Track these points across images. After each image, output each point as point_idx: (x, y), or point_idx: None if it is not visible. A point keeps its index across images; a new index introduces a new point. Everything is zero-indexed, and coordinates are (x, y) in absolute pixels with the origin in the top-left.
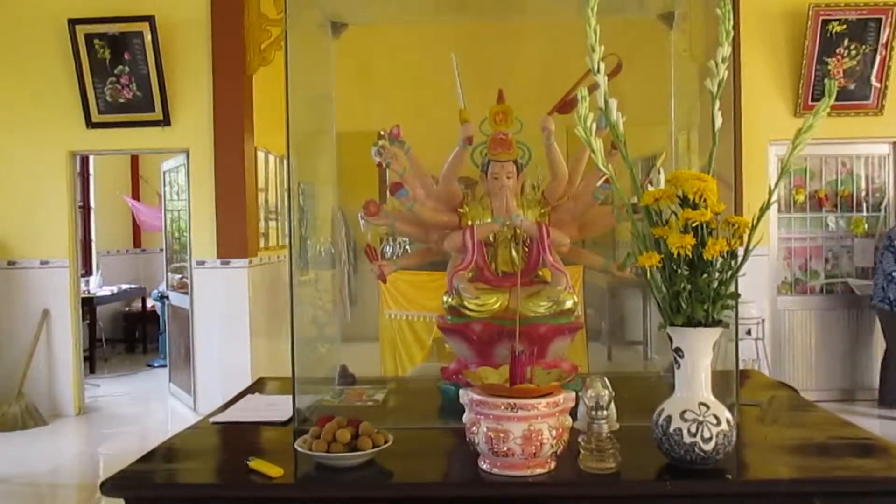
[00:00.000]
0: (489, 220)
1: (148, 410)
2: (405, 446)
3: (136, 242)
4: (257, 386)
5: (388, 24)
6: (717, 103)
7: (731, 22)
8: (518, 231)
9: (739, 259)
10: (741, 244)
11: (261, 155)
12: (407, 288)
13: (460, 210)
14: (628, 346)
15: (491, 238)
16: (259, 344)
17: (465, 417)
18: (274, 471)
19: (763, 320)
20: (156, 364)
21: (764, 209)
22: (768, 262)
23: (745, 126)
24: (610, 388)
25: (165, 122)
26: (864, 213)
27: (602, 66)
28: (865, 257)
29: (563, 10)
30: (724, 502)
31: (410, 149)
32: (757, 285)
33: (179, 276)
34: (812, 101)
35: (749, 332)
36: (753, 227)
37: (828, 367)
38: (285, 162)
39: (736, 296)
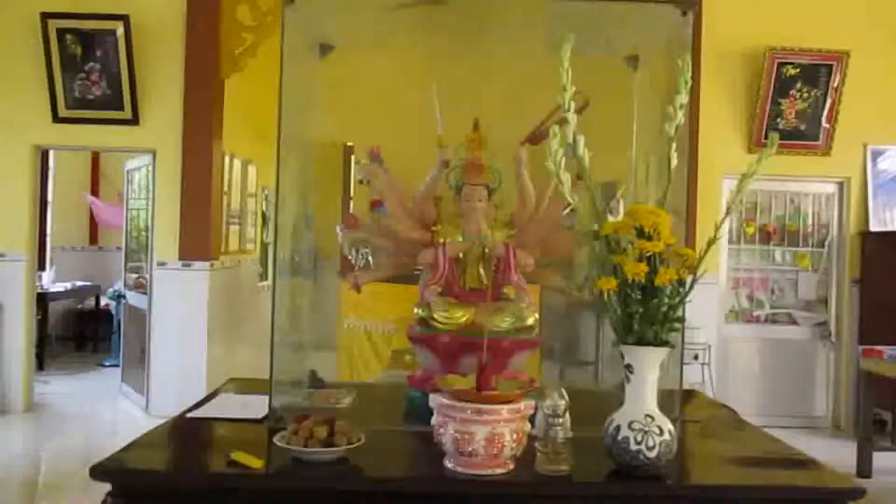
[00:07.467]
0: (459, 240)
1: (97, 409)
2: (374, 445)
3: (93, 240)
4: (228, 386)
5: (371, 48)
6: (674, 145)
7: (690, 72)
8: (486, 251)
9: (687, 287)
10: (689, 273)
11: (226, 159)
12: (367, 298)
13: (433, 228)
14: (580, 365)
15: (461, 256)
16: (215, 347)
17: (433, 420)
18: (255, 462)
19: (710, 346)
20: (107, 363)
21: (711, 243)
22: (717, 290)
23: (701, 160)
24: (567, 398)
25: (134, 121)
26: (809, 248)
27: (572, 104)
28: (808, 290)
29: (531, 40)
30: None
31: (389, 168)
32: (705, 313)
33: (136, 275)
34: (764, 139)
35: (696, 357)
36: (700, 259)
37: (770, 393)
38: (250, 167)
39: (682, 319)
